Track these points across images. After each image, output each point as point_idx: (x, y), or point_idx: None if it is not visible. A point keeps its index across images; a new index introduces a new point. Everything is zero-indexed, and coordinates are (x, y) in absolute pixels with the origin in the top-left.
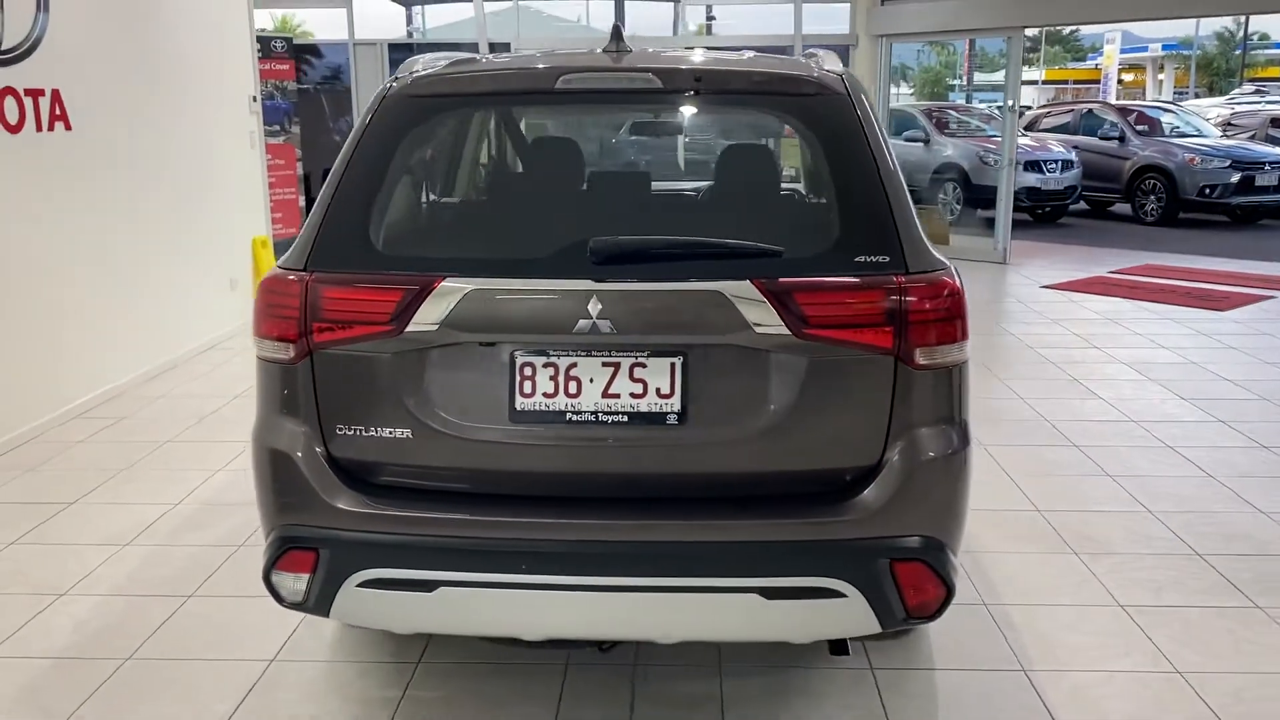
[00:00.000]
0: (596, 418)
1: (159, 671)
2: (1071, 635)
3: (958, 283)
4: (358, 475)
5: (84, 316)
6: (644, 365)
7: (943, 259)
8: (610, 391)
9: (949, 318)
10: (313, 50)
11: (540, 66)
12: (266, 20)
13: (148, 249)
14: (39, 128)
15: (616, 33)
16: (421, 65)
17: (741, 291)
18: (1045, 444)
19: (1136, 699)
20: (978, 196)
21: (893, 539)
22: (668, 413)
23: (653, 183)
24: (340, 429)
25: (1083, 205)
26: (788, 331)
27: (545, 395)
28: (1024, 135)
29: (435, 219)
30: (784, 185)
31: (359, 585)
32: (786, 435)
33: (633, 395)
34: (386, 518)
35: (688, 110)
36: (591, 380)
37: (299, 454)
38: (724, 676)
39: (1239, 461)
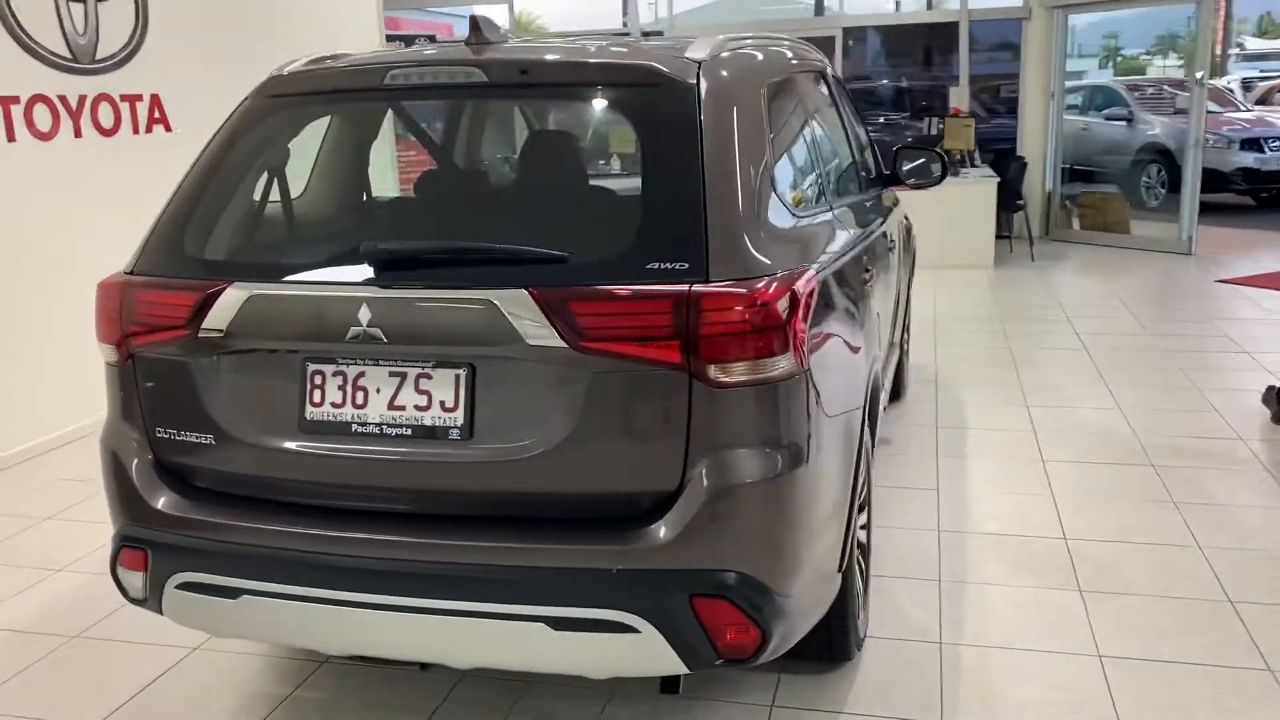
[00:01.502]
0: (382, 430)
1: (90, 650)
2: (1022, 687)
3: (777, 291)
4: (179, 478)
5: None
6: (429, 376)
7: (788, 266)
8: (396, 403)
9: (756, 331)
10: None
11: (377, 64)
12: (503, 15)
13: None
14: (135, 130)
15: (474, 24)
16: (289, 66)
17: (515, 301)
18: (1116, 462)
19: None
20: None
21: (692, 572)
22: (451, 427)
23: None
24: (159, 432)
25: None
26: (564, 344)
27: (333, 405)
28: (1246, 110)
29: (249, 223)
30: (601, 184)
31: (176, 587)
32: (576, 455)
33: (417, 408)
34: (194, 522)
35: (516, 105)
36: (378, 390)
37: (129, 456)
38: (611, 701)
39: None
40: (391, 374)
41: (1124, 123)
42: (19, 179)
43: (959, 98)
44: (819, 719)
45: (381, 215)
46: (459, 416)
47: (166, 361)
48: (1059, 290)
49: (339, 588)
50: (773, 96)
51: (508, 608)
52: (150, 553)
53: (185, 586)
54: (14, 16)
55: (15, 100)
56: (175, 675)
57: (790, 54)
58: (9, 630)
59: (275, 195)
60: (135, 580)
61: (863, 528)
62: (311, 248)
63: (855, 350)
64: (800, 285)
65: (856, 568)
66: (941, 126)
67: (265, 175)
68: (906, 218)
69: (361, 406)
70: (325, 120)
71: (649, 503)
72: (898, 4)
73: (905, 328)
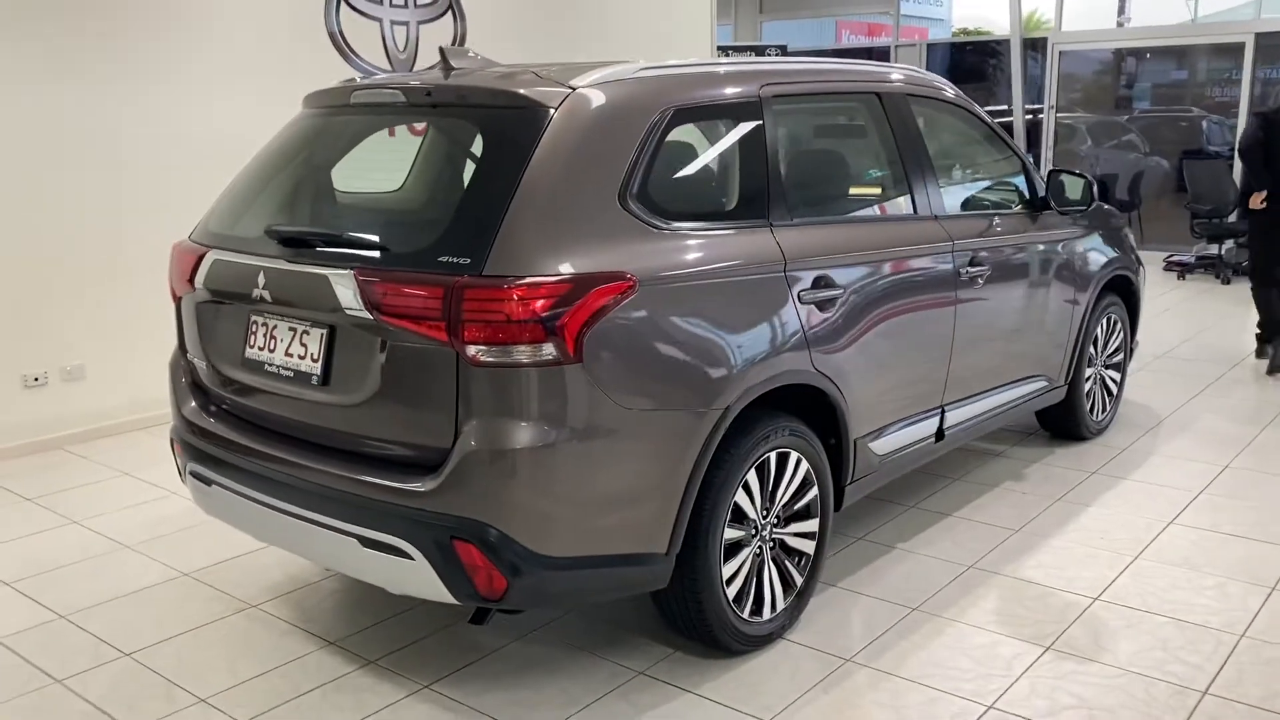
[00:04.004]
0: (279, 371)
1: None
2: (881, 712)
3: (539, 290)
4: (201, 392)
5: None
6: (309, 333)
7: (601, 269)
8: (289, 351)
9: (511, 322)
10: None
11: (350, 87)
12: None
13: None
14: None
15: (441, 54)
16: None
17: (342, 278)
18: (1256, 538)
19: None
20: None
21: (453, 517)
22: (313, 374)
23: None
24: (191, 357)
25: None
26: (370, 316)
27: (259, 348)
28: None
29: (244, 206)
30: (445, 190)
31: (189, 474)
32: (384, 407)
33: (299, 356)
34: (196, 427)
35: (428, 122)
36: (282, 340)
37: (177, 375)
38: (522, 639)
39: None
40: (290, 328)
41: None
42: None
43: None
44: (668, 692)
45: (303, 205)
46: (319, 366)
47: (189, 304)
48: None
49: (256, 489)
50: (675, 121)
51: (336, 522)
52: (181, 446)
53: (193, 474)
54: (342, 35)
55: None
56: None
57: (754, 79)
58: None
59: (282, 186)
60: (179, 465)
61: (801, 535)
62: (256, 225)
63: (712, 358)
64: (586, 288)
65: (720, 557)
66: None
67: (275, 170)
68: (1104, 245)
69: (273, 351)
70: (332, 127)
71: (435, 455)
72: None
73: (1077, 364)
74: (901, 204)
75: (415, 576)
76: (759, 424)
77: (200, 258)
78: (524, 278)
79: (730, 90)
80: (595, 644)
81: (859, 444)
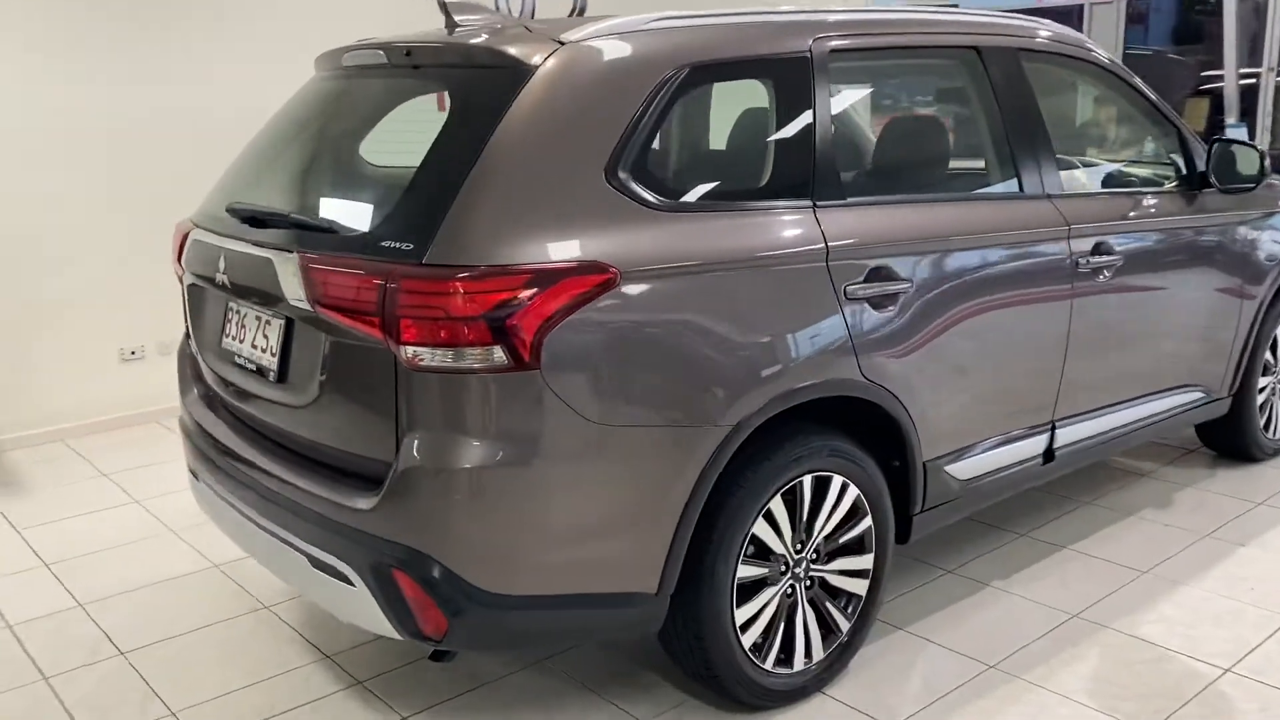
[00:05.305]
0: (244, 363)
1: None
2: None
3: (487, 284)
4: (200, 382)
5: None
6: (270, 324)
7: (586, 258)
8: (254, 343)
9: (450, 319)
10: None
11: (346, 49)
12: None
13: None
14: None
15: (444, 8)
16: None
17: (285, 263)
18: None
19: None
20: None
21: (391, 542)
22: (270, 369)
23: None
24: (191, 343)
25: None
26: (310, 307)
27: (231, 337)
28: None
29: (235, 182)
30: (411, 163)
31: (188, 467)
32: (329, 410)
33: (260, 349)
34: (190, 418)
35: (410, 85)
36: (249, 330)
37: (184, 362)
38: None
39: None
40: (256, 317)
41: None
42: None
43: None
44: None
45: (279, 181)
46: (276, 361)
47: (186, 287)
48: None
49: (228, 490)
50: (691, 81)
51: (288, 536)
52: (184, 437)
53: (188, 468)
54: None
55: None
56: None
57: (803, 32)
58: None
59: (272, 158)
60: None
61: (849, 574)
62: (228, 201)
63: (717, 366)
64: (548, 281)
65: (731, 598)
66: None
67: (272, 141)
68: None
69: (242, 342)
70: (329, 92)
71: (380, 469)
72: None
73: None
74: (1002, 181)
75: (357, 605)
76: (788, 442)
77: (185, 237)
78: (470, 268)
79: (770, 45)
80: (602, 681)
81: (931, 467)
